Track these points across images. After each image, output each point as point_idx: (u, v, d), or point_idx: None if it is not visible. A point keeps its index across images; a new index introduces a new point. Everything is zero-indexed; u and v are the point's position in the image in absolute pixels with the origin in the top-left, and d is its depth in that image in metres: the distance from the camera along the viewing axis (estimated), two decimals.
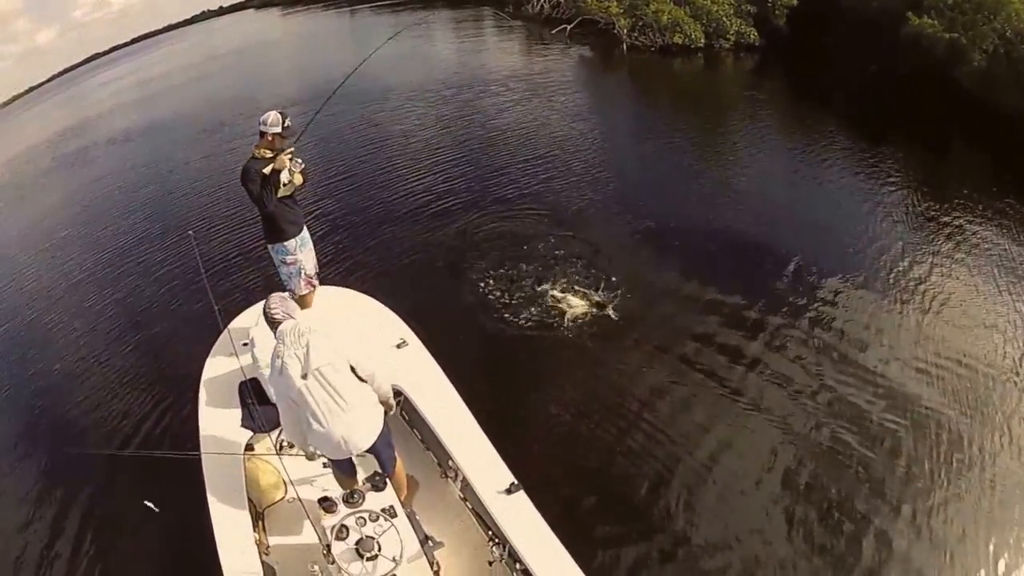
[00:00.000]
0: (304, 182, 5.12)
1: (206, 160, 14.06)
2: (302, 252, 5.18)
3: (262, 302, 5.46)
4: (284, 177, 4.92)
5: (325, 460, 3.95)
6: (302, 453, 4.43)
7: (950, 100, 10.81)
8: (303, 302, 5.30)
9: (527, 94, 14.60)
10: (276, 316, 3.63)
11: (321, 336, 3.42)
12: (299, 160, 4.99)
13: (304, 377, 3.35)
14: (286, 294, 3.93)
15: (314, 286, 5.35)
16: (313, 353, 3.36)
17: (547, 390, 5.85)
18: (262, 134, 4.85)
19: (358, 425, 3.48)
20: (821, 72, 12.74)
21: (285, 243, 5.10)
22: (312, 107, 16.08)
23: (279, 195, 4.95)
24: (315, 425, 3.41)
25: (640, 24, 16.80)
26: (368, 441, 3.53)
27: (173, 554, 4.78)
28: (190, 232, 5.98)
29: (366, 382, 3.52)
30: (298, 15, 45.35)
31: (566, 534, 3.48)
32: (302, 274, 5.22)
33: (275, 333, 3.56)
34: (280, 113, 4.83)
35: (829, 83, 12.24)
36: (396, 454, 3.86)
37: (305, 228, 5.27)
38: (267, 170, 4.82)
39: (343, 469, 3.86)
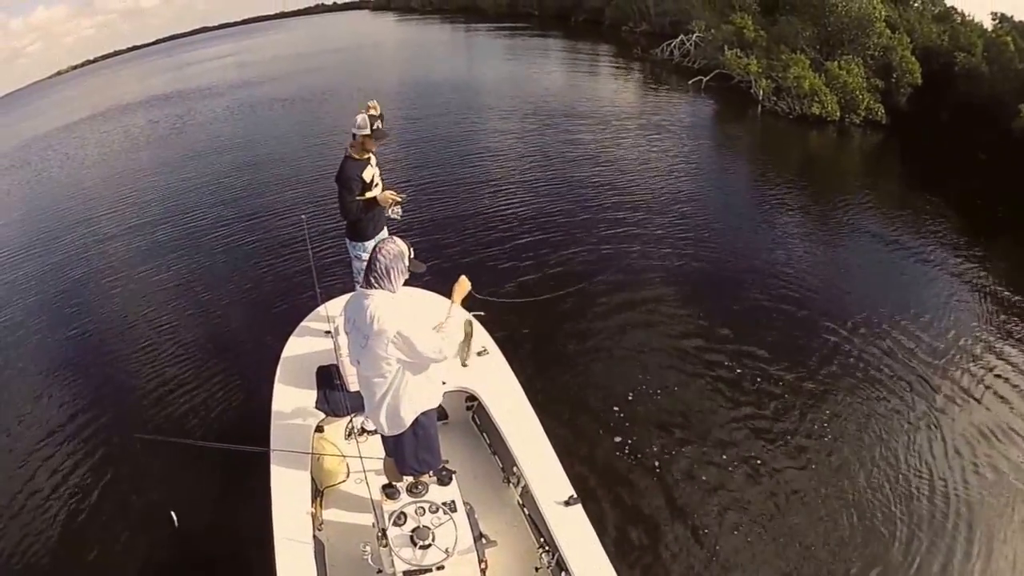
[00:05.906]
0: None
1: (321, 147, 15.44)
2: None
3: (351, 293, 6.12)
4: (389, 212, 5.48)
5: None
6: (369, 439, 4.94)
7: None
8: None
9: (655, 137, 15.16)
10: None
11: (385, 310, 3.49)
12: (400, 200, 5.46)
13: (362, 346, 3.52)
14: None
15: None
16: (375, 324, 3.43)
17: (626, 414, 6.26)
18: (354, 135, 5.22)
19: (387, 411, 3.68)
20: (936, 156, 13.45)
21: (364, 243, 5.57)
22: (413, 111, 17.47)
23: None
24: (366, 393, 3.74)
25: (776, 87, 17.30)
26: (387, 429, 3.75)
27: (229, 514, 5.17)
28: (303, 216, 6.72)
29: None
30: (413, 23, 48.15)
31: (618, 553, 3.77)
32: None
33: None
34: (370, 116, 5.18)
35: (942, 168, 12.89)
36: (428, 455, 3.93)
37: (384, 230, 5.71)
38: (367, 177, 5.27)
39: (388, 451, 4.05)
